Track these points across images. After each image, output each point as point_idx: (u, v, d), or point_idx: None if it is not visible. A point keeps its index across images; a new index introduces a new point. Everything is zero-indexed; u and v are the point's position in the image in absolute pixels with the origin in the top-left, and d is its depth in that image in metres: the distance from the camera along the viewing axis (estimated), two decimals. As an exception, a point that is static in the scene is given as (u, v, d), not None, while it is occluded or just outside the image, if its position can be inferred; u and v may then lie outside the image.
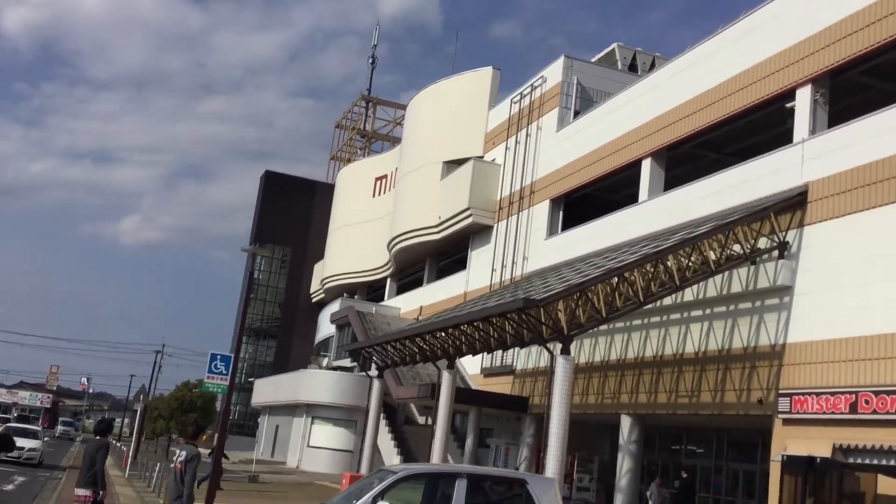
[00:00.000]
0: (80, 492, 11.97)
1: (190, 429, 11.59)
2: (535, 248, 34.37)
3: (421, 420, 43.45)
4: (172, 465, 11.05)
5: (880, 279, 18.37)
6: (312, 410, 46.99)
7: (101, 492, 12.09)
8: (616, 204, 30.61)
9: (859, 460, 15.06)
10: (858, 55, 20.69)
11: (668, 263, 20.26)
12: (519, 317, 19.89)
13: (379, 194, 57.05)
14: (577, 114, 34.37)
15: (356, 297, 58.26)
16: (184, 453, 11.04)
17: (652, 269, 20.37)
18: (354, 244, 58.35)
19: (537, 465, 31.55)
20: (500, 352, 33.89)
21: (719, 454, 26.56)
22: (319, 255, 71.12)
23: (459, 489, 9.65)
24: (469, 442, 34.11)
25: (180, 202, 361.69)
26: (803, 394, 19.61)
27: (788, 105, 22.42)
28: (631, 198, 29.56)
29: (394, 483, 9.69)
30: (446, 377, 26.45)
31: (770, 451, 20.70)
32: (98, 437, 12.48)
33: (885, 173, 18.82)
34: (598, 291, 19.88)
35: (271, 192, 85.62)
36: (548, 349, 19.52)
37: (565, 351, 19.28)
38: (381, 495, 9.51)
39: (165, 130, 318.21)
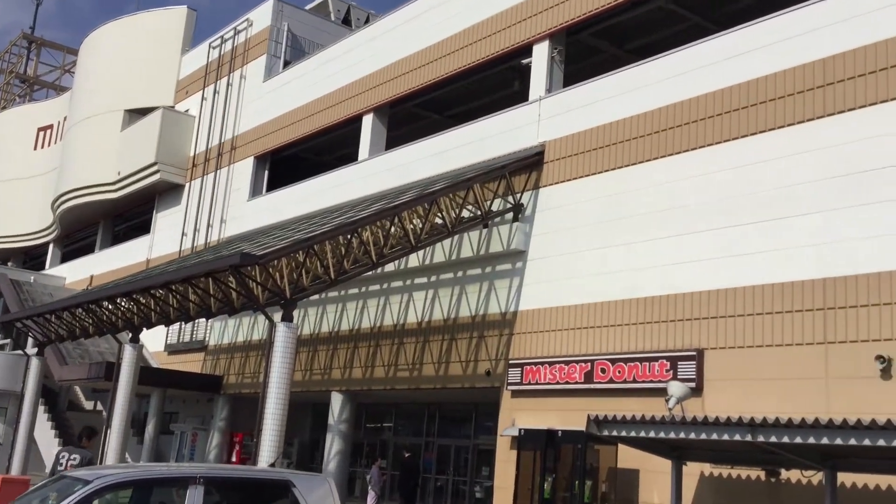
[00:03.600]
0: None
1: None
2: (236, 210, 30.74)
3: (88, 405, 37.77)
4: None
5: (617, 244, 17.73)
6: (-53, 398, 38.96)
7: None
8: (329, 166, 28.07)
9: (614, 433, 14.08)
10: (592, 14, 20.02)
11: (405, 222, 18.14)
12: (232, 277, 16.61)
13: (42, 146, 49.11)
14: (287, 64, 31.25)
15: (10, 264, 49.81)
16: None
17: (386, 228, 18.12)
18: (8, 203, 49.66)
19: (230, 451, 28.27)
20: (189, 327, 30.00)
21: (430, 431, 25.23)
22: (-38, 217, 60.26)
23: (193, 501, 6.52)
24: (150, 429, 29.70)
25: None
26: (535, 363, 18.56)
27: (525, 61, 21.35)
28: (346, 159, 27.21)
29: (88, 497, 6.30)
30: (129, 353, 22.22)
31: (495, 426, 19.51)
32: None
33: (622, 135, 18.23)
34: (328, 250, 17.21)
35: None
36: (266, 315, 16.49)
37: (287, 318, 16.40)
38: (66, 517, 6.10)
39: None
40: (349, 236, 17.30)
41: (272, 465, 14.39)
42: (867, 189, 13.93)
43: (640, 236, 17.31)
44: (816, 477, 13.62)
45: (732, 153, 16.08)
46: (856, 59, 14.50)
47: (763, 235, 15.22)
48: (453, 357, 20.77)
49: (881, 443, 10.64)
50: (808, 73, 15.13)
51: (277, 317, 16.75)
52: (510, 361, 19.19)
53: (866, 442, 10.74)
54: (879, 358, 13.07)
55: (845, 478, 13.03)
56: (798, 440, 11.47)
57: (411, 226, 18.64)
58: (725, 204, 15.99)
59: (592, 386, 17.23)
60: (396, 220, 17.98)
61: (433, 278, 21.88)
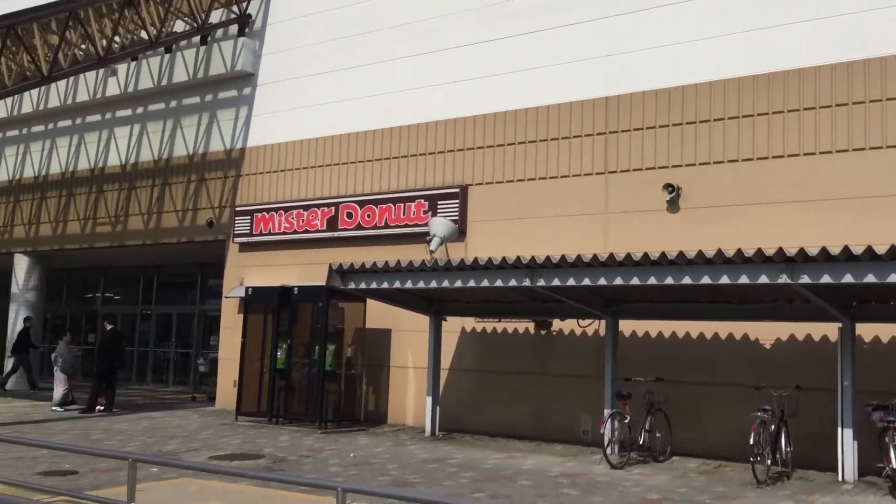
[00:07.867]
0: None
1: None
2: None
3: None
4: None
5: (363, 63, 14.65)
6: None
7: None
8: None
9: (362, 285, 11.37)
10: None
11: (91, 26, 13.71)
12: None
13: None
14: None
15: None
16: None
17: (59, 32, 13.61)
18: None
19: None
20: None
21: (147, 298, 21.38)
22: None
23: None
24: None
25: None
26: (268, 210, 15.34)
27: None
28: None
29: None
30: None
31: (223, 287, 16.24)
32: None
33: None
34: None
35: None
36: None
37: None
38: None
39: None
40: (4, 37, 12.66)
41: None
42: (659, -9, 11.76)
43: (389, 53, 14.33)
44: (592, 327, 11.86)
45: (504, -51, 13.27)
46: None
47: (538, 46, 12.75)
48: (167, 206, 16.99)
49: (670, 281, 8.77)
50: None
51: None
52: (237, 209, 15.80)
53: (655, 280, 8.81)
54: (668, 187, 11.23)
55: (626, 326, 11.31)
56: (587, 282, 9.36)
57: (99, 35, 14.21)
58: (486, 12, 13.31)
59: (337, 234, 14.38)
60: (76, 22, 13.50)
61: (140, 110, 17.64)
